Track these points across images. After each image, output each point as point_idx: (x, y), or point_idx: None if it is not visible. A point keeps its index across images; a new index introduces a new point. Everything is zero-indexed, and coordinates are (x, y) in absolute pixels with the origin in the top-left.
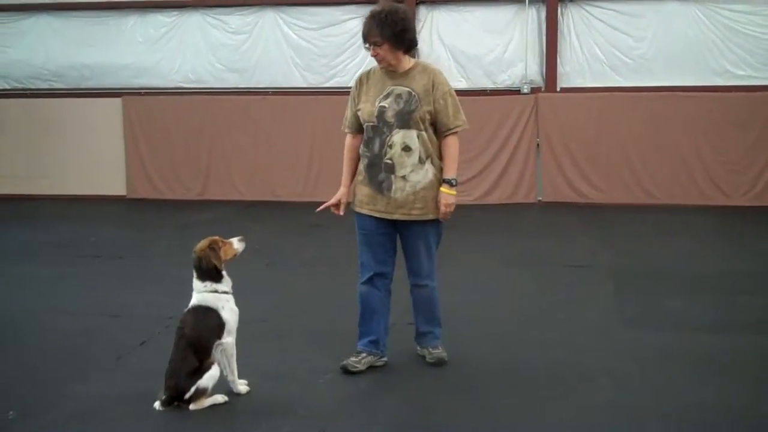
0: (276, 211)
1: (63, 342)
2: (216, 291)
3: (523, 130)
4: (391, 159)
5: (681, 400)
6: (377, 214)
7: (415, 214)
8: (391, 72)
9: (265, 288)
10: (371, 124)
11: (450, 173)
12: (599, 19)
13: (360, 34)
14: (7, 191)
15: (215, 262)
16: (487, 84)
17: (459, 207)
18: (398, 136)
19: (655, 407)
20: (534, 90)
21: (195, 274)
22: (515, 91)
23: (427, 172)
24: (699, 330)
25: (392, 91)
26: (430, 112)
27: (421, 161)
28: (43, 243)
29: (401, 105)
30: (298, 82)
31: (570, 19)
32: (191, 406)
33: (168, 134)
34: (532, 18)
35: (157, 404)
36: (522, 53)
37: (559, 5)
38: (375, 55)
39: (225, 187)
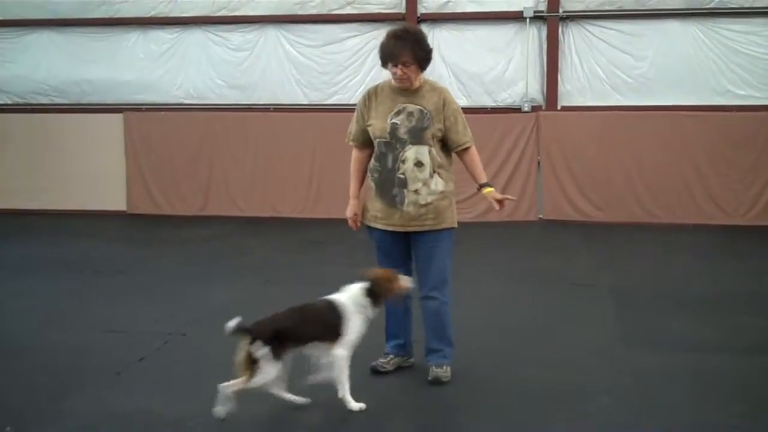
0: (276, 228)
1: (62, 357)
2: (362, 307)
3: (524, 148)
4: (404, 174)
5: (681, 420)
6: (391, 228)
7: (428, 225)
8: (400, 89)
9: (264, 305)
10: (384, 140)
11: (484, 177)
12: (600, 39)
13: (361, 52)
14: (8, 206)
15: (387, 293)
16: (488, 102)
17: (458, 224)
18: (411, 152)
19: (655, 427)
20: (535, 108)
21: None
22: (516, 110)
23: (437, 185)
24: (700, 350)
25: (403, 109)
26: (440, 129)
27: (431, 175)
28: (44, 258)
29: (414, 122)
30: (299, 99)
31: (571, 38)
32: None
33: (169, 150)
34: (533, 37)
35: None
36: (523, 72)
37: (560, 24)
38: (401, 75)
39: (225, 203)
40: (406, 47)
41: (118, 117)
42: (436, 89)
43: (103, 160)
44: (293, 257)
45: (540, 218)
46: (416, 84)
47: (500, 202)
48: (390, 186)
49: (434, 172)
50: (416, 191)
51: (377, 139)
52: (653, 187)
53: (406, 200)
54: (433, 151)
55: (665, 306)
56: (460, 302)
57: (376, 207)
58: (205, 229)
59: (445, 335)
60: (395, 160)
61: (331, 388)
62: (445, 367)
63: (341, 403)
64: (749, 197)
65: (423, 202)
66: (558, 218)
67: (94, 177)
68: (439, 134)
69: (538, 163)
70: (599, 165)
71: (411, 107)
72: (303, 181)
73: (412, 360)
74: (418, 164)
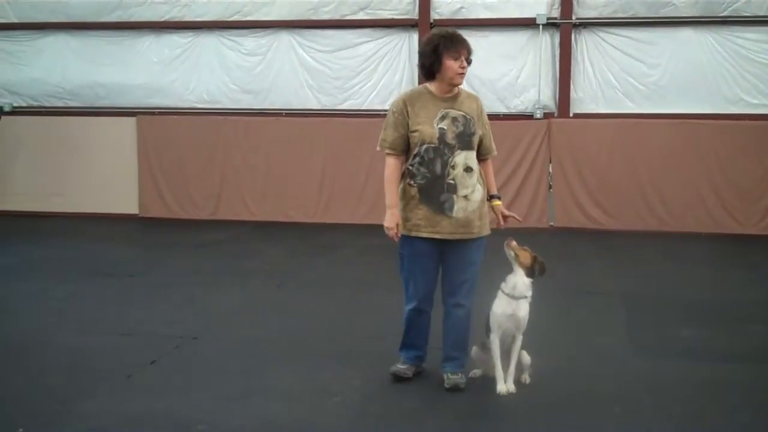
0: (288, 232)
1: (73, 359)
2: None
3: (536, 155)
4: (454, 179)
5: (692, 429)
6: (438, 236)
7: (476, 232)
8: (437, 96)
9: (276, 309)
10: (432, 145)
11: (495, 189)
12: (613, 46)
13: (374, 58)
14: (20, 208)
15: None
16: (501, 109)
17: None
18: (460, 157)
19: None
20: (547, 115)
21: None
22: (528, 116)
23: (480, 191)
24: (711, 359)
25: (447, 114)
26: (480, 136)
27: (478, 181)
28: (56, 260)
29: (460, 127)
30: (312, 104)
31: (583, 45)
32: None
33: (181, 154)
34: (546, 43)
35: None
36: (535, 78)
37: (572, 31)
38: (464, 71)
39: (237, 207)
40: (469, 46)
41: (131, 120)
42: (471, 96)
43: (115, 164)
44: (304, 262)
45: (551, 225)
46: (454, 90)
47: (505, 218)
48: (438, 192)
49: (479, 177)
50: (466, 197)
51: (425, 145)
52: (665, 195)
53: (456, 206)
54: (475, 156)
55: (676, 314)
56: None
57: (418, 215)
58: (216, 233)
59: (466, 343)
60: (444, 165)
61: (336, 393)
62: (460, 374)
63: (346, 409)
64: (762, 206)
65: (472, 209)
66: (569, 226)
67: (106, 180)
68: (479, 141)
69: (550, 170)
70: (611, 172)
71: (454, 113)
72: (315, 186)
73: (424, 366)
74: (468, 169)
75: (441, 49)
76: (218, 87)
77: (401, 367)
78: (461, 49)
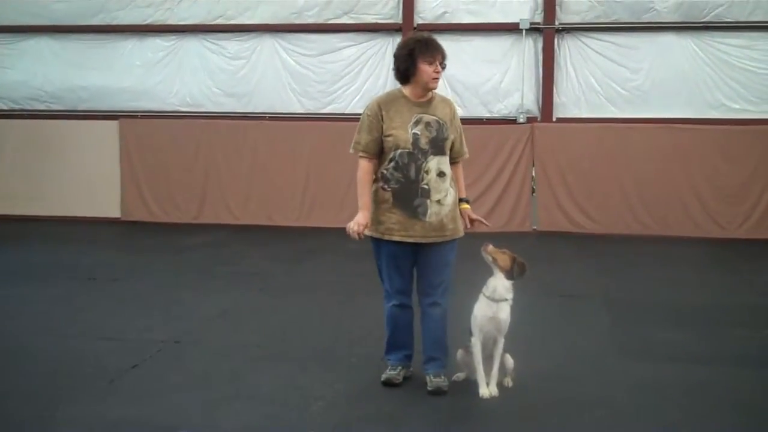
0: (271, 236)
1: (55, 364)
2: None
3: (519, 159)
4: (427, 184)
5: None
6: (411, 240)
7: (448, 235)
8: (414, 100)
9: (259, 313)
10: (407, 150)
11: (464, 192)
12: (595, 51)
13: (358, 62)
14: (3, 212)
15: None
16: (484, 113)
17: None
18: (433, 162)
19: None
20: (530, 120)
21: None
22: (511, 121)
23: (453, 194)
24: (693, 361)
25: (421, 119)
26: (452, 140)
27: (450, 185)
28: (38, 264)
29: (433, 132)
30: (295, 107)
31: (566, 50)
32: None
33: (164, 157)
34: (529, 48)
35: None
36: (518, 83)
37: (555, 36)
38: (438, 76)
39: (220, 211)
40: (443, 51)
41: (113, 124)
42: (445, 100)
43: (98, 167)
44: (288, 266)
45: (534, 229)
46: (429, 94)
47: (472, 222)
48: (412, 197)
49: (451, 181)
50: (439, 201)
51: (399, 150)
52: (647, 199)
53: (429, 211)
54: (448, 160)
55: (659, 317)
56: (453, 313)
57: (392, 219)
58: (199, 236)
59: (444, 343)
60: (418, 170)
61: (319, 398)
62: (443, 377)
63: (330, 413)
64: (743, 210)
65: (445, 213)
66: (552, 229)
67: (89, 184)
68: (451, 145)
69: (533, 174)
70: (594, 176)
71: (427, 117)
72: (298, 190)
73: (412, 370)
74: (441, 174)
75: (416, 53)
76: (201, 90)
77: (391, 373)
78: (436, 54)
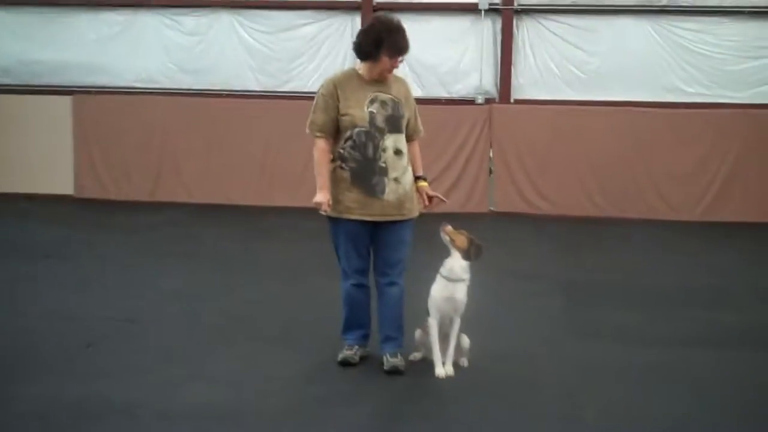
0: (228, 215)
1: (11, 343)
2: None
3: (477, 140)
4: (385, 162)
5: (628, 413)
6: (369, 218)
7: (406, 213)
8: (366, 80)
9: (216, 293)
10: (363, 129)
11: (421, 170)
12: (553, 33)
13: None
14: None
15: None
16: (442, 93)
17: None
18: (390, 141)
19: (602, 419)
20: (488, 101)
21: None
22: (469, 101)
23: (410, 173)
24: (648, 343)
25: (376, 98)
26: (409, 118)
27: (407, 163)
28: None
29: (389, 111)
30: (253, 85)
31: (525, 31)
32: None
33: (119, 134)
34: (488, 29)
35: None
36: (477, 64)
37: (514, 17)
38: (395, 69)
39: (176, 189)
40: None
41: (66, 99)
42: (399, 79)
43: (51, 143)
44: (245, 245)
45: (491, 210)
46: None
47: (430, 198)
48: (370, 175)
49: (408, 159)
50: (396, 179)
51: (356, 128)
52: (603, 181)
53: (387, 189)
54: (404, 138)
55: (614, 299)
56: (410, 293)
57: (350, 198)
58: (155, 215)
59: (401, 323)
60: (375, 149)
61: (278, 378)
62: (399, 356)
63: (288, 393)
64: (696, 193)
65: (402, 191)
66: (509, 210)
67: (41, 159)
68: (407, 122)
69: (491, 155)
70: (550, 158)
71: (382, 96)
72: (256, 169)
73: (368, 349)
74: (398, 152)
75: (383, 45)
76: (157, 66)
77: (348, 352)
78: (401, 53)
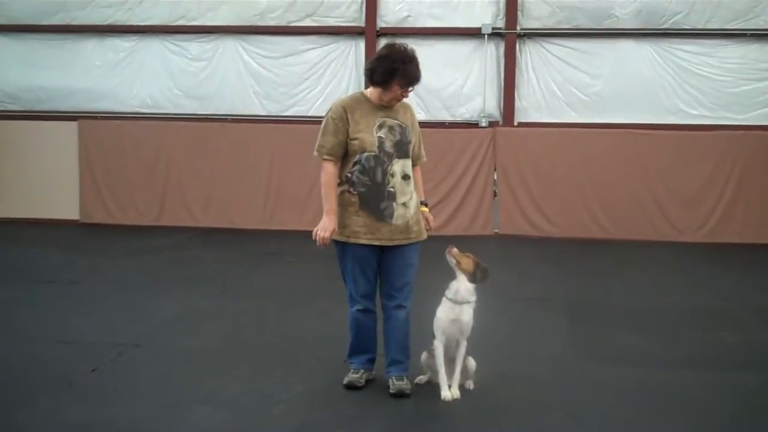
0: (232, 239)
1: (14, 367)
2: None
3: (481, 163)
4: (393, 187)
5: None
6: (378, 242)
7: (413, 237)
8: (374, 104)
9: (219, 316)
10: (372, 154)
11: (423, 195)
12: (556, 56)
13: (320, 65)
14: None
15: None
16: (446, 117)
17: None
18: (398, 166)
19: None
20: (492, 124)
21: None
22: (473, 125)
23: (416, 198)
24: (650, 364)
25: (384, 123)
26: (414, 144)
27: (414, 188)
28: None
29: (397, 136)
30: (257, 110)
31: (528, 55)
32: None
33: (124, 159)
34: (491, 53)
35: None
36: (480, 87)
37: (517, 41)
38: (406, 96)
39: (181, 213)
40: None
41: (72, 125)
42: (404, 105)
43: (56, 169)
44: (249, 269)
45: (496, 233)
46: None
47: (430, 225)
48: (379, 200)
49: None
50: (404, 204)
51: (365, 153)
52: (607, 203)
53: (395, 213)
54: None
55: (617, 320)
56: (417, 316)
57: (358, 222)
58: (160, 239)
59: (407, 346)
60: (384, 173)
61: (280, 401)
62: (405, 380)
63: (290, 417)
64: (700, 215)
65: (410, 215)
66: (513, 233)
67: (47, 185)
68: (412, 149)
69: (495, 178)
70: (554, 181)
71: (390, 121)
72: (260, 193)
73: (374, 373)
74: (405, 177)
75: (396, 75)
76: (162, 92)
77: (353, 376)
78: (412, 84)
